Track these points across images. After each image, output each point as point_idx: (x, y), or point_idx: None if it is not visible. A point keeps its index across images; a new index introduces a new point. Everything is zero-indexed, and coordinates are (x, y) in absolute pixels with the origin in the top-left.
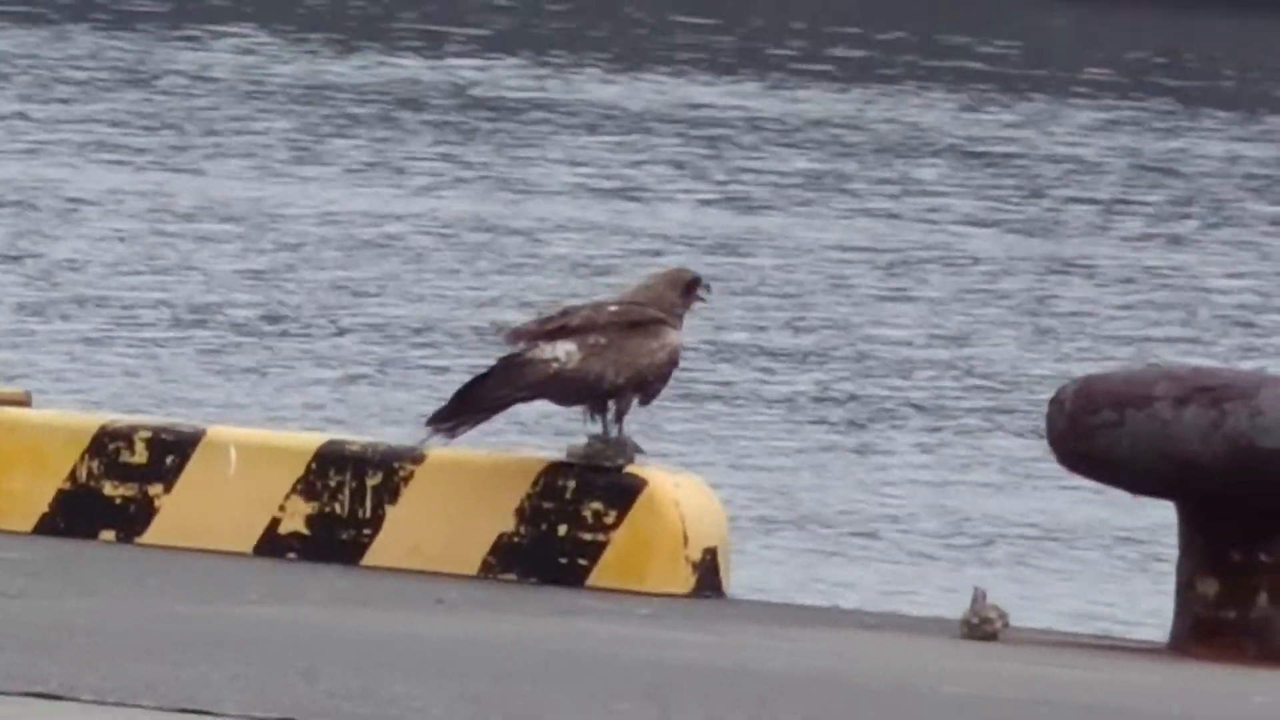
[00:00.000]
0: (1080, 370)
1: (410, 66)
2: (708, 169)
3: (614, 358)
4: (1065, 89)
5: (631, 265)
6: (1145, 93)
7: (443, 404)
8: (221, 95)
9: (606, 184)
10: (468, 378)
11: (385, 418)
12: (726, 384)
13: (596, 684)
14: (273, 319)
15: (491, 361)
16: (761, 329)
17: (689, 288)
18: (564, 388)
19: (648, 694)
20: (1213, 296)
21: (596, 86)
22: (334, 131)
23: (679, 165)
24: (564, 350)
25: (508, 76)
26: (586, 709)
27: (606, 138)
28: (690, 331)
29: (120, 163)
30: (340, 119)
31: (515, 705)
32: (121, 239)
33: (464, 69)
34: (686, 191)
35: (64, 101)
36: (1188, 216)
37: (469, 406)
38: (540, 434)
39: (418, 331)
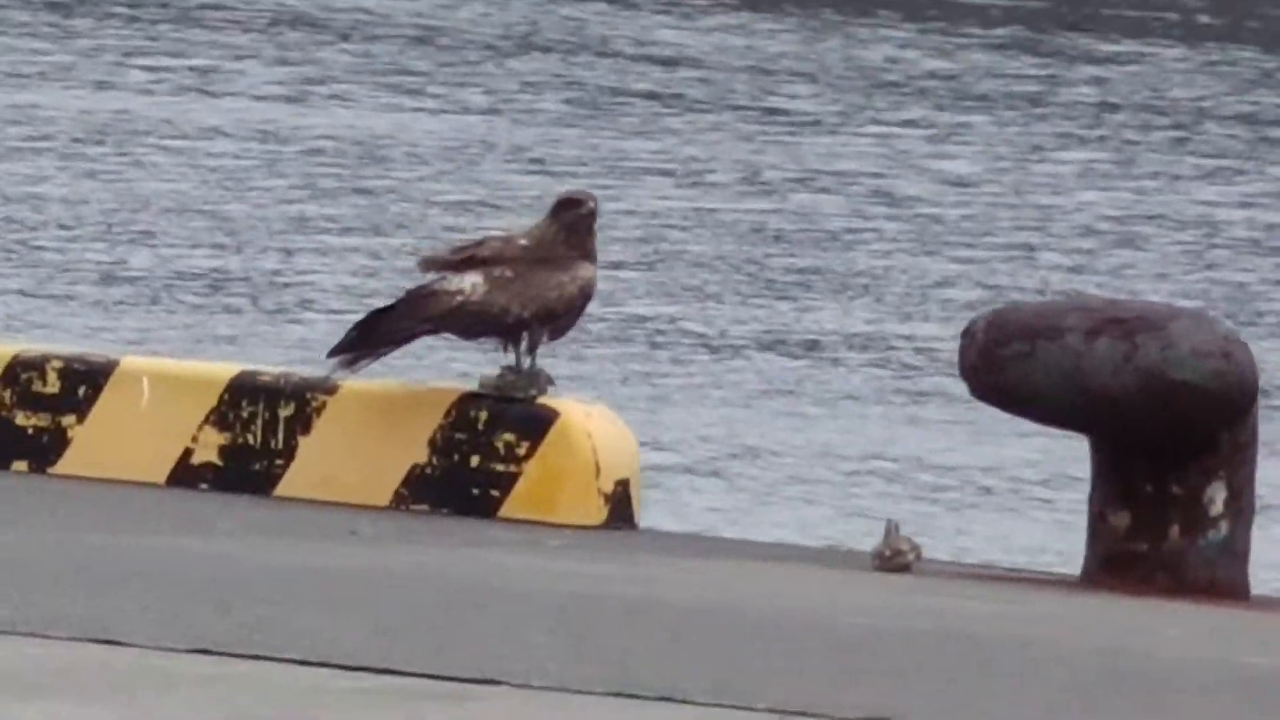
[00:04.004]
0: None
1: None
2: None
3: (519, 290)
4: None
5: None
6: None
7: (344, 335)
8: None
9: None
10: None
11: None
12: (647, 319)
13: (509, 615)
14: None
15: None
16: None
17: (557, 210)
18: (467, 320)
19: (559, 625)
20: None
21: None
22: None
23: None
24: (470, 282)
25: None
26: (499, 640)
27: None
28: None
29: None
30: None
31: (428, 637)
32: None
33: None
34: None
35: None
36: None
37: (371, 338)
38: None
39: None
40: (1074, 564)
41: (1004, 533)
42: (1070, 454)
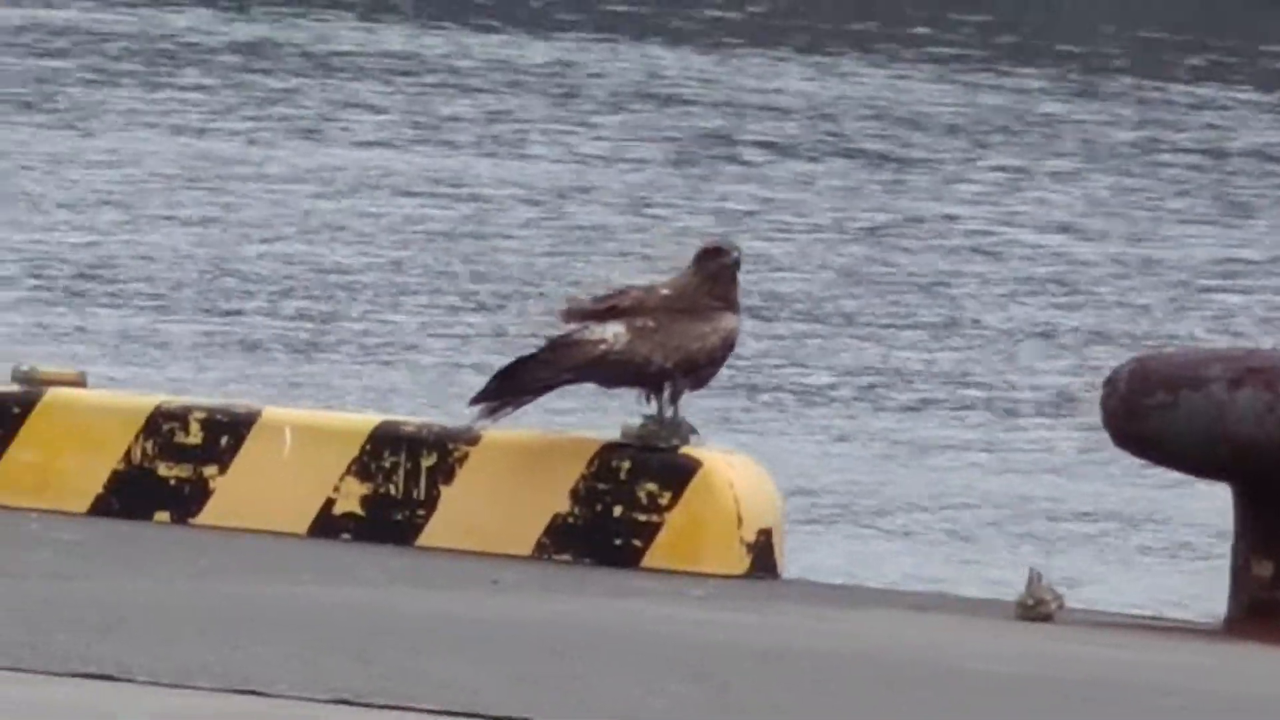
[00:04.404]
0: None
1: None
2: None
3: (662, 340)
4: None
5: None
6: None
7: (486, 383)
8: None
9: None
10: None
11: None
12: (781, 366)
13: (650, 665)
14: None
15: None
16: (809, 310)
17: (702, 259)
18: (610, 370)
19: (701, 675)
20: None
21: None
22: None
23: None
24: (612, 332)
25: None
26: (641, 690)
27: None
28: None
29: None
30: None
31: (570, 686)
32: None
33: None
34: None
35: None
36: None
37: (512, 387)
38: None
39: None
40: (1217, 613)
41: (1147, 582)
42: (1213, 503)
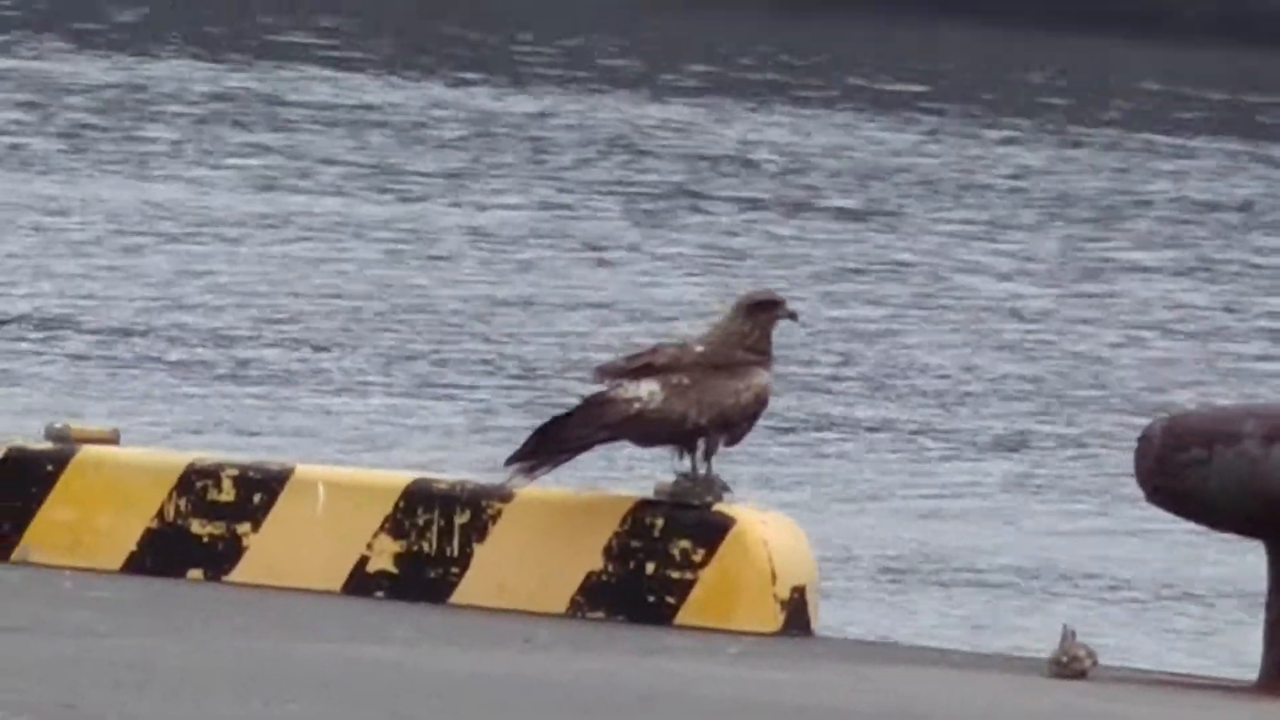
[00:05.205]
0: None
1: None
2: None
3: (697, 398)
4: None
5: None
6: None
7: (522, 442)
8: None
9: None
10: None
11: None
12: (804, 417)
13: None
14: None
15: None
16: (830, 358)
17: (753, 311)
18: (645, 428)
19: None
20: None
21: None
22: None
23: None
24: (647, 390)
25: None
26: None
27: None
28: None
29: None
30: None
31: None
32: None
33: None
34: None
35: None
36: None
37: (549, 446)
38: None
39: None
40: (1251, 671)
41: (1181, 639)
42: (1247, 560)
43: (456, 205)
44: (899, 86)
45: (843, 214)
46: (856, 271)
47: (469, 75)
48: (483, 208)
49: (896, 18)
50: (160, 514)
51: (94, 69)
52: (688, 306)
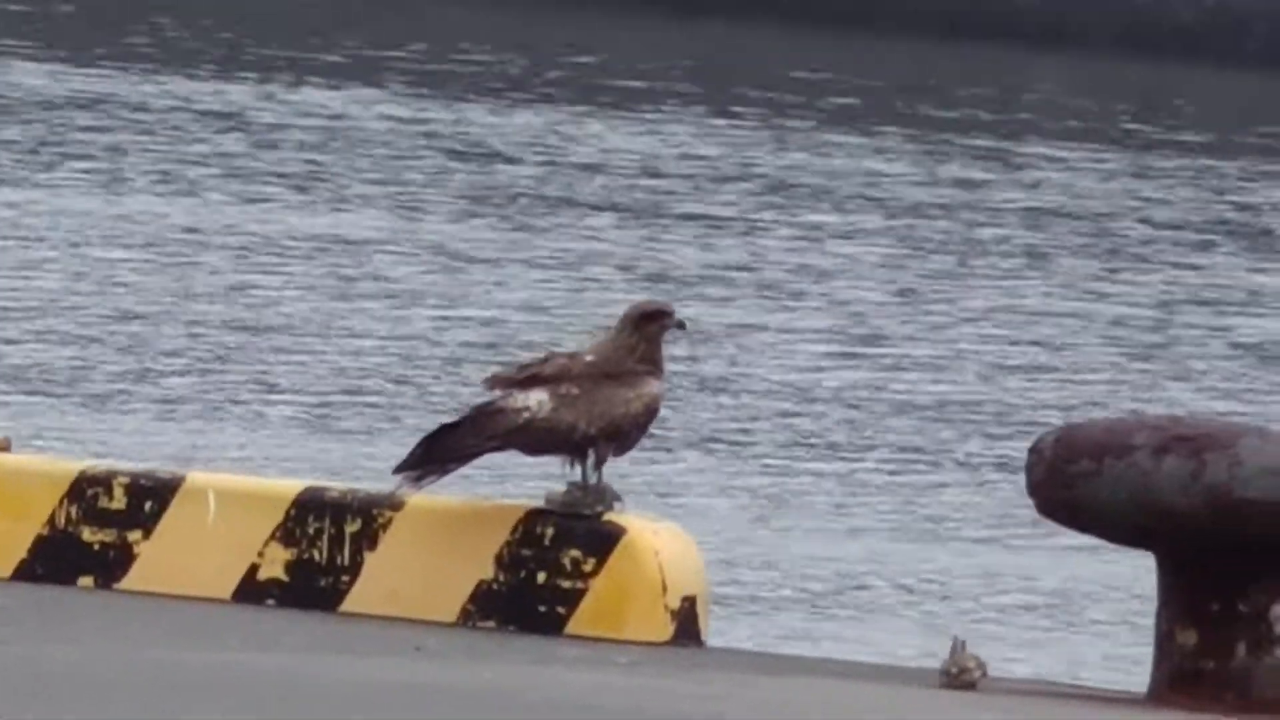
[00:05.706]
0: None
1: None
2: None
3: (586, 408)
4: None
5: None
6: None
7: (411, 451)
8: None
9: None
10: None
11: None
12: (696, 429)
13: None
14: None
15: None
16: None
17: (640, 322)
18: (534, 438)
19: None
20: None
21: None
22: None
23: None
24: (536, 400)
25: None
26: None
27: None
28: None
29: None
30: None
31: None
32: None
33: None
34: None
35: None
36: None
37: (437, 455)
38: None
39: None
40: (1141, 682)
41: (1070, 650)
42: (1137, 571)
43: (309, 212)
44: (769, 94)
45: (698, 219)
46: (716, 279)
47: (318, 80)
48: (334, 213)
49: (794, 25)
50: (51, 521)
51: None
52: (543, 311)
